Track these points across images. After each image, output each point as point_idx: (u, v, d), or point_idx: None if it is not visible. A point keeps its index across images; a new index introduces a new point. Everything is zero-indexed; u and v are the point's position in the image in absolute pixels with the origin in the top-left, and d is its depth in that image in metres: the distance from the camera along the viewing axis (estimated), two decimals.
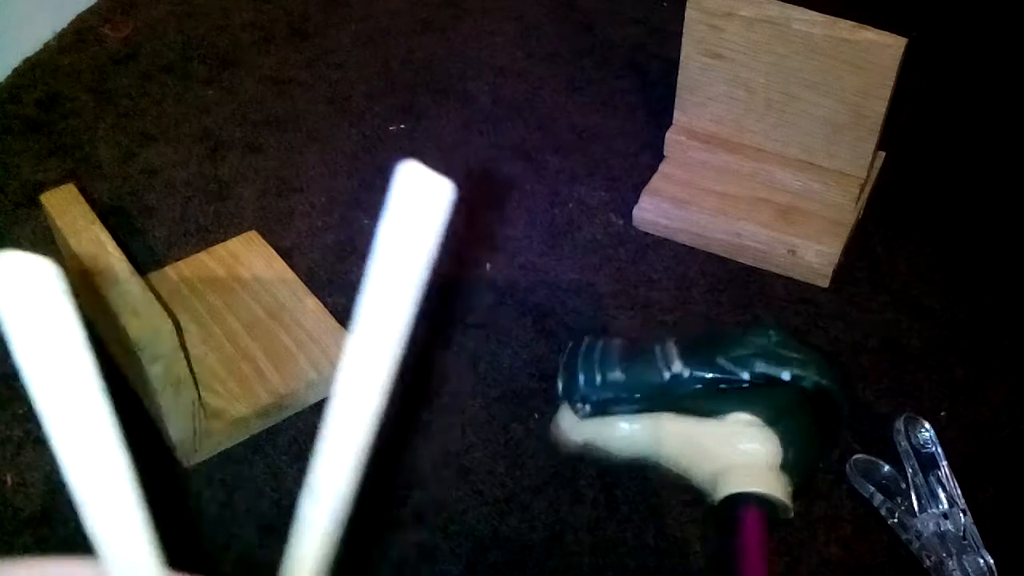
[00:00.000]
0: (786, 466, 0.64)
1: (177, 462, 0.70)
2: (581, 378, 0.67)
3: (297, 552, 0.32)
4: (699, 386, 0.66)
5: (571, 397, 0.68)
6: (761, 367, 0.65)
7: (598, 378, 0.67)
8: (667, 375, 0.66)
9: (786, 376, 0.66)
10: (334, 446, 0.29)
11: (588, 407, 0.67)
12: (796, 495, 0.67)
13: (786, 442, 0.64)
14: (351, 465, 0.30)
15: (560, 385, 0.69)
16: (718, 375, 0.66)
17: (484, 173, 0.94)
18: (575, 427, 0.69)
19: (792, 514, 0.64)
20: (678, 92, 0.89)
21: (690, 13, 0.83)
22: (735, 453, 0.65)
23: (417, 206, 0.26)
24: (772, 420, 0.65)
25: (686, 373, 0.66)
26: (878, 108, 0.80)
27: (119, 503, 0.28)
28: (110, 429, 0.27)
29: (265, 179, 0.93)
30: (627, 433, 0.68)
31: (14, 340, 0.25)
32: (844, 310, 0.82)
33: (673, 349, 0.67)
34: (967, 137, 0.98)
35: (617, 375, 0.67)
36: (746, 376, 0.65)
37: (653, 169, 0.91)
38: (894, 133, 0.90)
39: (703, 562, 0.66)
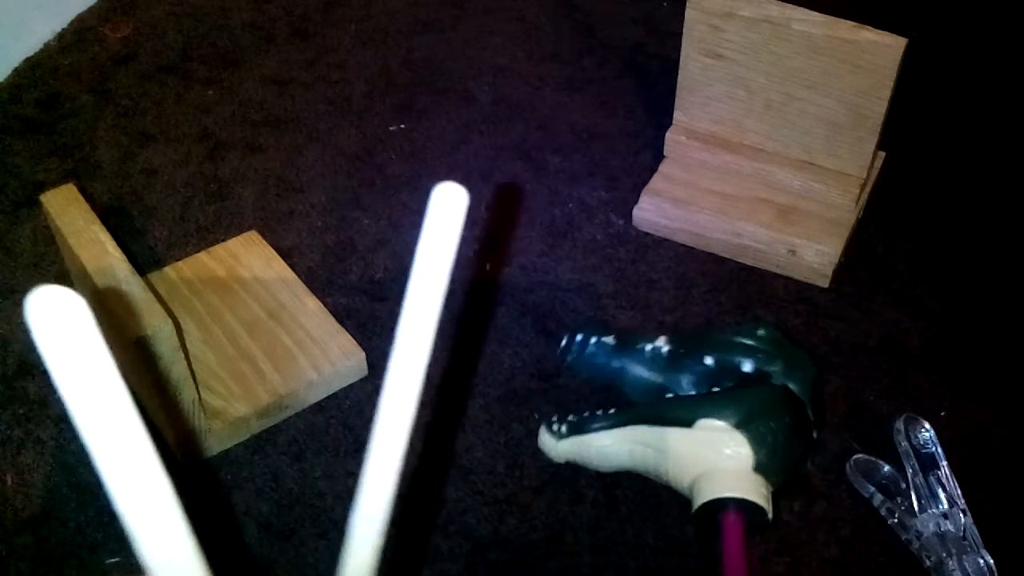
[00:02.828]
0: (760, 467, 0.64)
1: (177, 462, 0.70)
2: (579, 336, 0.75)
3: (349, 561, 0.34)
4: (670, 363, 0.71)
5: (564, 352, 0.75)
6: (725, 356, 0.70)
7: (592, 339, 0.75)
8: (649, 347, 0.73)
9: (747, 367, 0.68)
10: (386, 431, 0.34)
11: (564, 427, 0.70)
12: (778, 494, 0.66)
13: (757, 444, 0.64)
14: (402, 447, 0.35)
15: (561, 343, 0.76)
16: (692, 358, 0.71)
17: (484, 173, 0.94)
18: (554, 448, 0.70)
19: (771, 516, 0.63)
20: (678, 92, 0.89)
21: (690, 13, 0.83)
22: (707, 460, 0.65)
23: (447, 218, 0.32)
24: (740, 423, 0.65)
25: (665, 348, 0.72)
26: (878, 108, 0.80)
27: (163, 518, 0.30)
28: (148, 444, 0.29)
29: (265, 179, 0.93)
30: (603, 449, 0.68)
31: (53, 369, 0.26)
32: (844, 310, 0.82)
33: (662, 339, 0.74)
34: (967, 137, 0.98)
35: (610, 339, 0.74)
36: (710, 361, 0.69)
37: (653, 169, 0.91)
38: (894, 133, 0.90)
39: (703, 562, 0.66)
